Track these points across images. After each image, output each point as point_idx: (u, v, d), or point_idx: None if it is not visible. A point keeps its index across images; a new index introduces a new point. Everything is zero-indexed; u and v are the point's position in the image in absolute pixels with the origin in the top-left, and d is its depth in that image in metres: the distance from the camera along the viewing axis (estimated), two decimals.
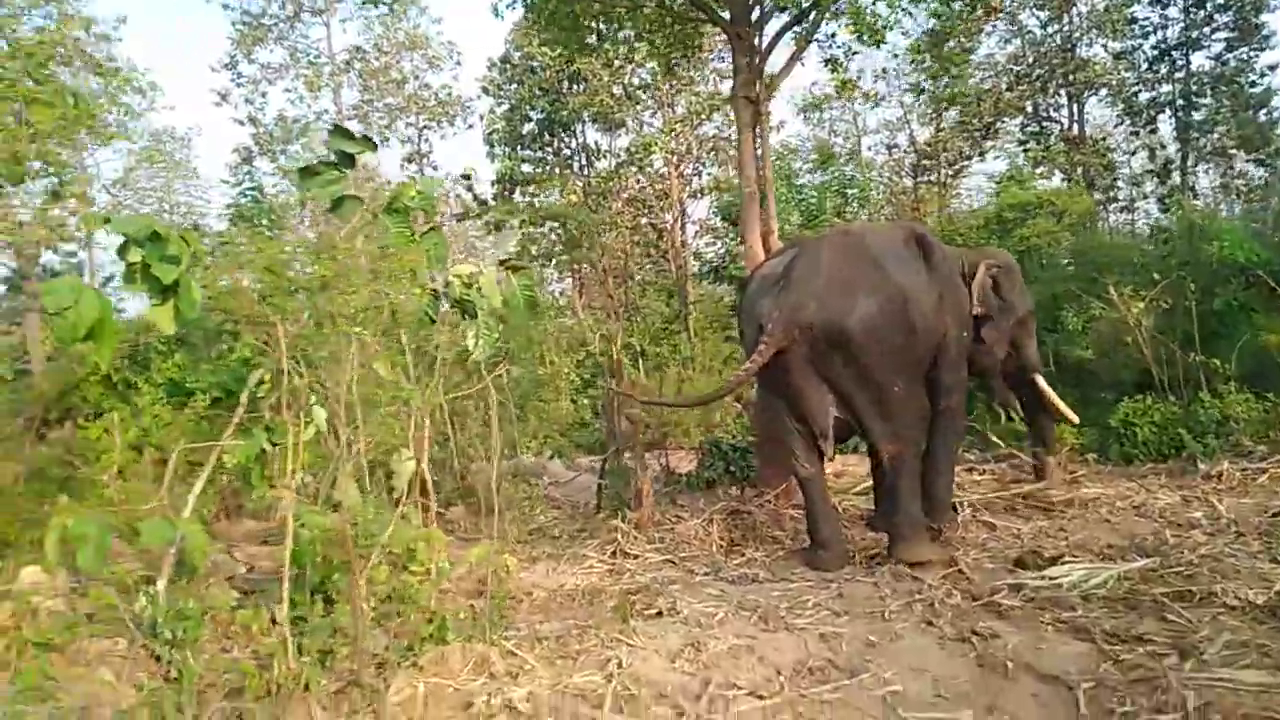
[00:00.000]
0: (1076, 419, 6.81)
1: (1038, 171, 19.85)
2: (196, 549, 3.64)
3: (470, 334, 3.39)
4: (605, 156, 19.88)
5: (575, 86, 18.51)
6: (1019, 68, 20.79)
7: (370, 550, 3.85)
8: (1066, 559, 4.91)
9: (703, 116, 16.92)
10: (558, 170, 19.83)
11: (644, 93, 18.61)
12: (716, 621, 4.30)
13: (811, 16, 6.69)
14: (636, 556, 5.64)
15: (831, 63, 7.54)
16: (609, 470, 6.91)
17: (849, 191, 16.51)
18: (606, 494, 6.67)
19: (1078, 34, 20.46)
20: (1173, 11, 19.58)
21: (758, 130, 6.86)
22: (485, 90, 20.31)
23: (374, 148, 3.33)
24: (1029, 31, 21.10)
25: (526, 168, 19.61)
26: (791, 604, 4.54)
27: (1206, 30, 19.35)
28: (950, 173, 21.74)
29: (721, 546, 5.83)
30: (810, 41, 7.12)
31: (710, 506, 6.50)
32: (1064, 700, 3.20)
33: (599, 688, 3.48)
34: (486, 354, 3.45)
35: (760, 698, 3.34)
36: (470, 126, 22.45)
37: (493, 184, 19.62)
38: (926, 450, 5.87)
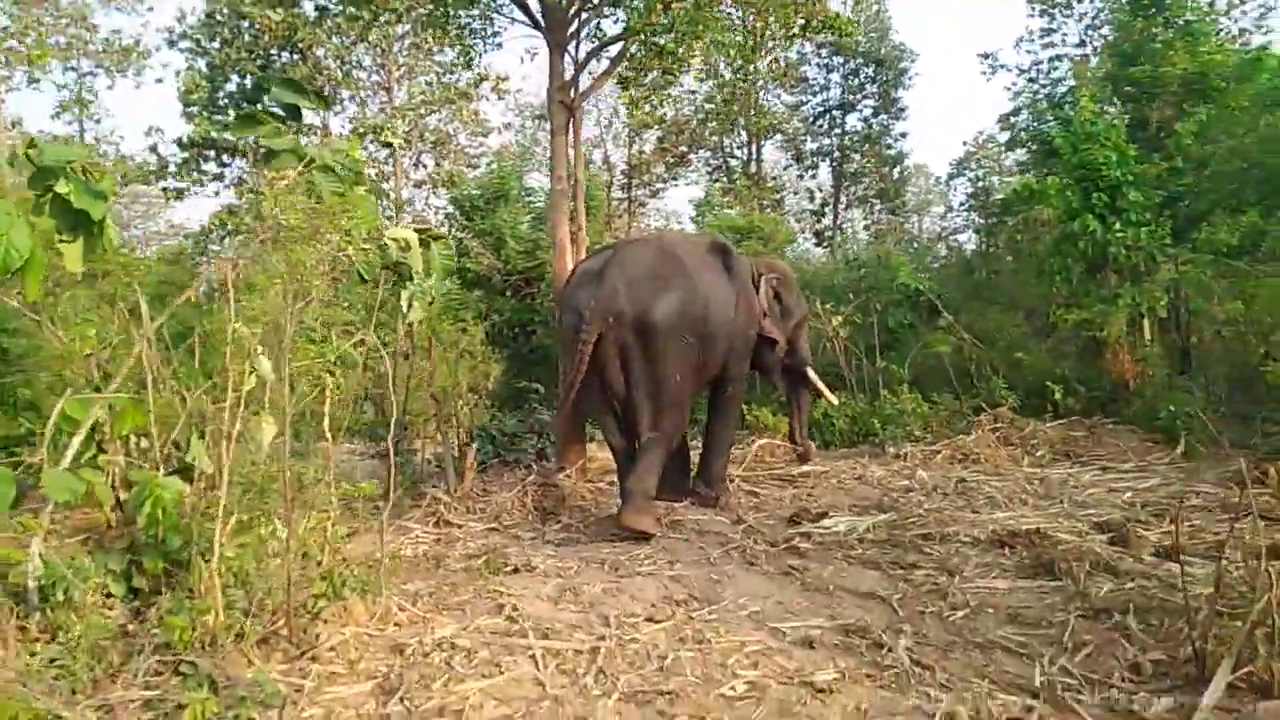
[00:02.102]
0: (837, 402, 8.17)
1: (725, 200, 22.32)
2: (104, 500, 3.45)
3: (405, 296, 3.54)
4: (311, 133, 18.94)
5: (291, 55, 17.49)
6: (711, 105, 23.26)
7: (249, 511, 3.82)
8: (831, 514, 6.02)
9: (432, 108, 16.85)
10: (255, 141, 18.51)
11: (363, 73, 18.14)
12: (573, 573, 4.76)
13: (619, 46, 7.36)
14: (460, 526, 5.88)
15: (624, 82, 8.27)
16: (401, 449, 6.97)
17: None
18: (406, 471, 6.74)
19: (760, 83, 23.37)
20: (835, 76, 23.09)
21: (569, 134, 7.38)
22: (171, 42, 18.30)
23: (326, 105, 3.39)
24: (720, 75, 23.70)
25: (228, 135, 18.08)
26: (627, 557, 5.12)
27: (859, 96, 23.09)
28: (649, 192, 23.65)
29: (536, 515, 6.24)
30: (619, 61, 7.75)
31: (512, 481, 6.87)
32: (882, 609, 4.12)
33: (508, 629, 3.81)
34: (419, 316, 3.61)
35: (657, 622, 3.88)
36: (159, 81, 20.11)
37: (183, 147, 17.84)
38: (708, 430, 6.76)
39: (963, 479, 7.12)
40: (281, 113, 3.32)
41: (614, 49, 7.61)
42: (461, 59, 8.68)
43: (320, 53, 17.22)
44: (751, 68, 13.89)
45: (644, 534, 5.46)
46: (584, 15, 7.37)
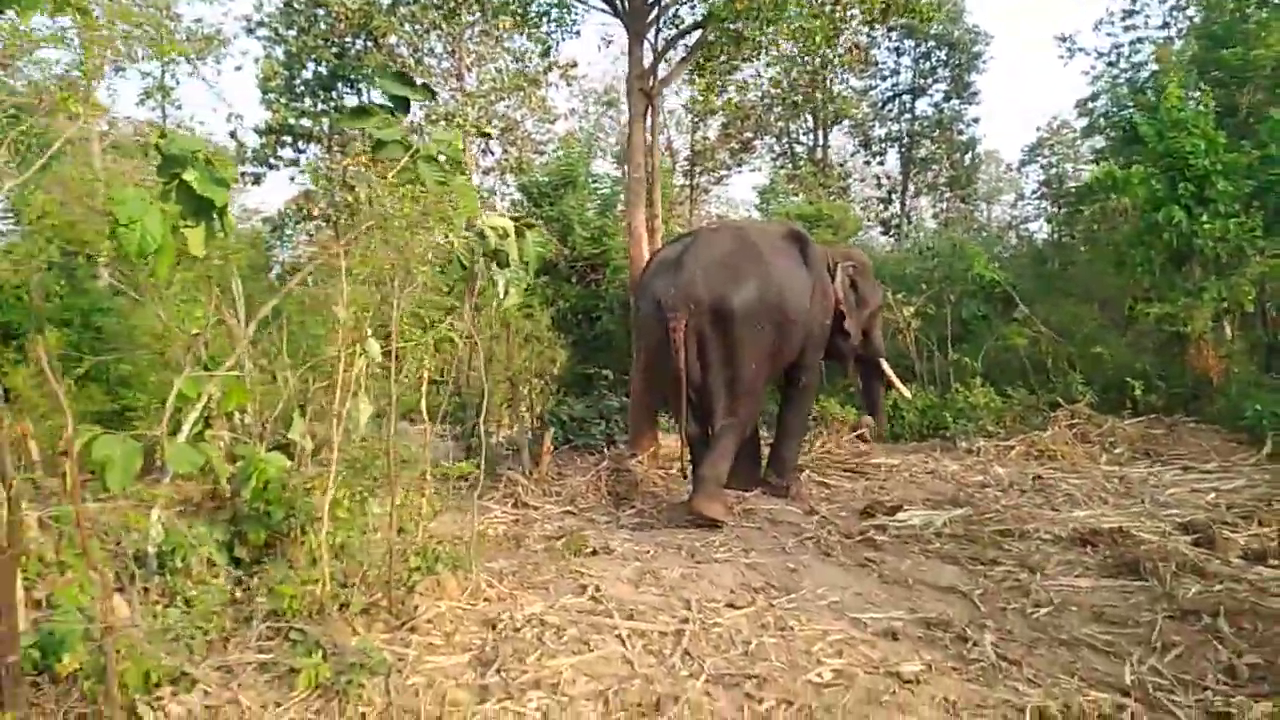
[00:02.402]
0: (910, 394, 8.12)
1: (789, 187, 22.14)
2: (222, 473, 3.63)
3: (501, 283, 3.65)
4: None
5: (365, 42, 17.86)
6: (777, 91, 23.04)
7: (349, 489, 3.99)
8: (905, 508, 6.00)
9: (502, 94, 17.05)
10: (331, 129, 18.97)
11: (434, 60, 18.42)
12: (650, 557, 4.85)
13: (698, 33, 7.38)
14: (537, 508, 6.01)
15: (700, 69, 8.29)
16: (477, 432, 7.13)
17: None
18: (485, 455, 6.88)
19: (827, 68, 23.09)
20: (906, 60, 22.70)
21: (647, 121, 7.45)
22: (250, 30, 18.85)
23: (431, 95, 3.49)
24: (788, 58, 23.47)
25: (305, 122, 18.59)
26: (703, 544, 5.19)
27: (930, 81, 22.65)
28: (712, 179, 23.58)
29: (610, 499, 6.35)
30: (697, 49, 7.76)
31: (584, 466, 7.00)
32: (963, 603, 4.11)
33: (593, 608, 3.91)
34: (516, 302, 3.73)
35: (738, 608, 3.94)
36: (239, 68, 20.75)
37: (260, 134, 18.40)
38: (780, 419, 6.78)
39: (1039, 475, 7.02)
40: (390, 104, 3.44)
41: (692, 36, 7.63)
42: (539, 47, 8.77)
43: (393, 40, 17.54)
44: (829, 53, 13.77)
45: (715, 521, 5.52)
46: (664, 2, 7.40)
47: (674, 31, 7.68)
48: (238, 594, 3.61)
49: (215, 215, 3.29)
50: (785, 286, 6.03)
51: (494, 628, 3.58)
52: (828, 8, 7.22)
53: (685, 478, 6.34)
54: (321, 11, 17.42)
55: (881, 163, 23.87)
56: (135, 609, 3.20)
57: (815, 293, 6.34)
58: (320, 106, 18.83)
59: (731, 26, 6.76)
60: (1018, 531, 5.31)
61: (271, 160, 18.45)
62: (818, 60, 17.44)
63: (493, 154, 19.03)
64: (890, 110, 23.17)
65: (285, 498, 3.85)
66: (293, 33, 18.17)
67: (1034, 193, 26.71)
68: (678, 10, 7.75)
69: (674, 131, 22.50)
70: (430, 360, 3.88)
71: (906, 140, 22.99)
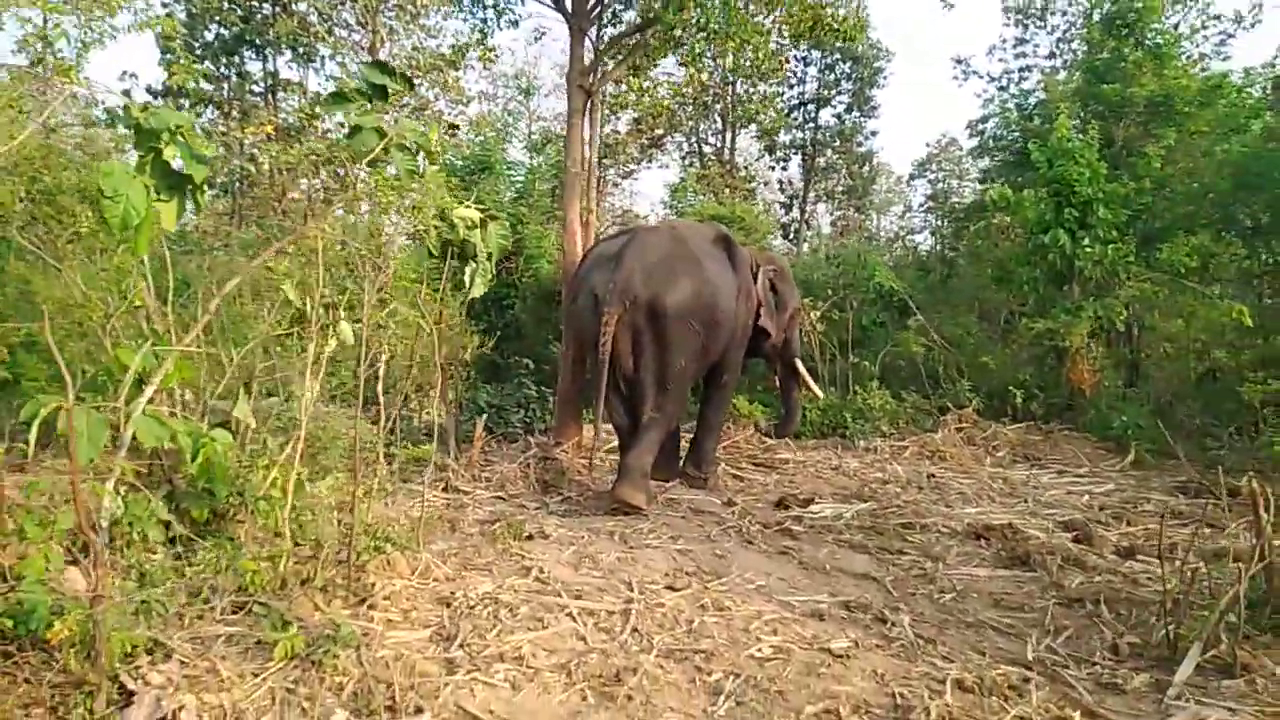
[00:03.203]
0: (822, 395, 8.55)
1: (698, 187, 22.59)
2: (185, 448, 3.62)
3: (469, 273, 3.76)
4: (291, 90, 18.71)
5: (274, 7, 17.26)
6: (690, 90, 23.46)
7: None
8: (816, 501, 6.40)
9: (419, 74, 16.79)
10: (231, 94, 18.26)
11: (345, 33, 17.98)
12: (585, 542, 5.05)
13: (639, 35, 7.57)
14: (468, 493, 6.12)
15: (635, 70, 8.49)
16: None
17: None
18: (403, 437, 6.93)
19: (738, 72, 23.64)
20: (812, 70, 23.46)
21: (587, 117, 7.59)
22: None
23: (411, 86, 3.58)
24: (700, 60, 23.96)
25: (206, 85, 17.79)
26: (633, 531, 5.42)
27: (834, 92, 23.50)
28: (621, 173, 23.86)
29: (538, 487, 6.51)
30: (637, 50, 7.94)
31: (510, 454, 7.13)
32: (877, 589, 4.48)
33: (541, 589, 4.10)
34: (481, 293, 3.85)
35: (676, 590, 4.20)
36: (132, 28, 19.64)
37: (156, 95, 17.53)
38: (701, 414, 7.08)
39: (932, 474, 7.58)
40: (368, 90, 3.50)
41: (632, 36, 7.79)
42: (475, 33, 8.78)
43: (303, 7, 17.07)
44: (753, 58, 14.14)
45: (637, 509, 5.76)
46: (606, 1, 7.55)
47: (616, 30, 7.86)
48: (185, 569, 3.62)
49: (191, 190, 3.31)
50: (716, 288, 6.32)
51: (448, 605, 3.71)
52: (761, 19, 7.53)
53: (592, 467, 6.62)
54: None
55: (785, 169, 24.63)
56: (96, 580, 3.19)
57: (740, 294, 6.65)
58: (223, 71, 18.08)
59: (671, 32, 7.00)
60: (918, 525, 5.78)
61: None
62: (729, 63, 18.03)
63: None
64: (796, 118, 23.90)
65: (228, 476, 3.88)
66: None
67: (921, 205, 28.33)
68: (618, 11, 7.93)
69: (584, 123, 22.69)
70: (396, 345, 3.94)
71: (810, 148, 23.77)
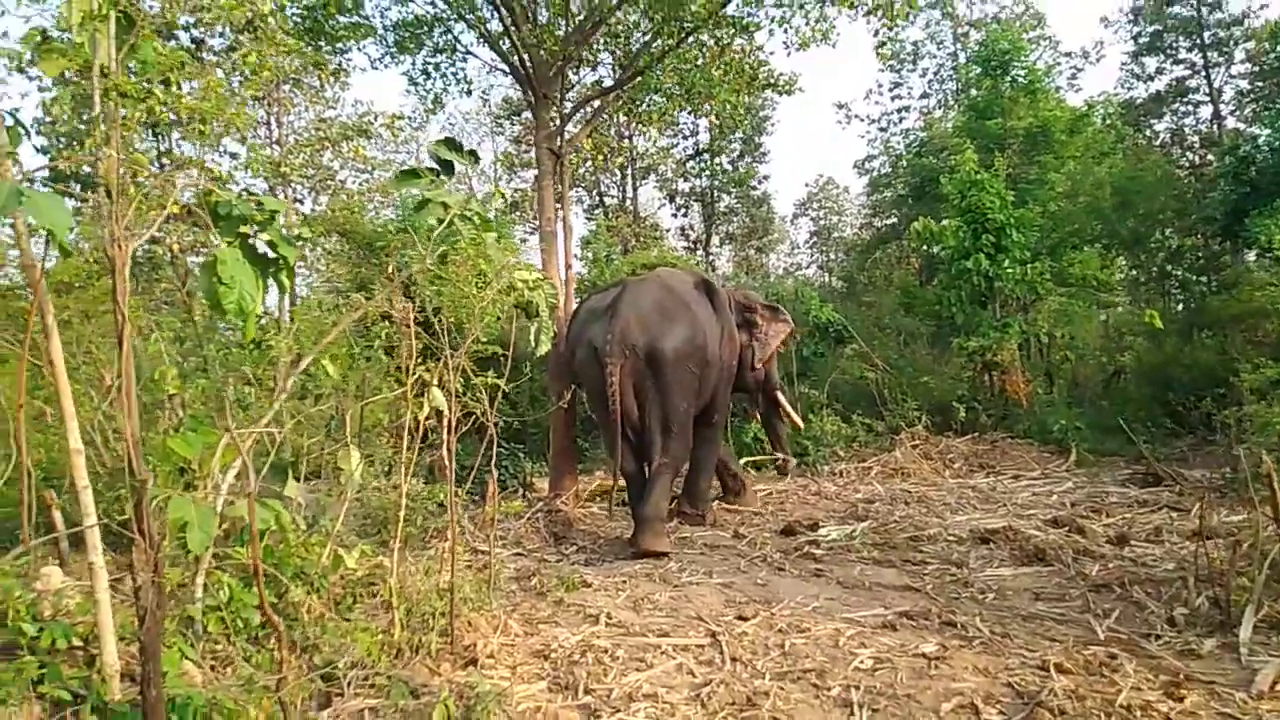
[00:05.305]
0: (803, 425, 8.84)
1: (608, 237, 23.01)
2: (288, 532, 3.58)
3: (533, 331, 3.86)
4: (189, 167, 18.17)
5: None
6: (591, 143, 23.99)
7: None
8: (820, 524, 6.66)
9: (327, 145, 16.62)
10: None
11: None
12: (631, 586, 5.13)
13: (599, 102, 7.86)
14: (486, 551, 6.08)
15: (596, 134, 8.75)
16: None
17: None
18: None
19: (634, 124, 24.36)
20: (704, 121, 24.39)
21: (556, 178, 7.77)
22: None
23: (476, 160, 3.70)
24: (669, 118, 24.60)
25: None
26: (664, 572, 5.53)
27: (727, 141, 24.49)
28: (531, 228, 24.07)
29: (550, 540, 6.53)
30: (600, 113, 8.21)
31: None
32: (922, 596, 4.75)
33: (624, 632, 4.17)
34: (546, 349, 3.95)
35: (747, 618, 4.34)
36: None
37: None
38: (694, 454, 7.26)
39: (907, 490, 7.98)
40: (438, 167, 3.62)
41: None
42: (431, 104, 8.88)
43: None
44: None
45: (663, 555, 5.89)
46: (567, 68, 7.80)
47: (579, 98, 8.12)
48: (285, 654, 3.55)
49: (275, 272, 3.33)
50: (706, 331, 6.57)
51: (546, 658, 3.75)
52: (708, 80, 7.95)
53: (610, 514, 6.71)
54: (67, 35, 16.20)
55: (686, 215, 25.40)
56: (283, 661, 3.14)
57: (724, 336, 6.93)
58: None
59: (630, 96, 7.31)
60: (924, 536, 6.11)
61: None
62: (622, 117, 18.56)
63: (300, 206, 18.36)
64: (693, 167, 24.76)
65: (290, 556, 3.85)
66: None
67: (806, 242, 29.75)
68: (582, 78, 8.21)
69: (477, 182, 22.92)
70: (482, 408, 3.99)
71: (710, 194, 24.63)
